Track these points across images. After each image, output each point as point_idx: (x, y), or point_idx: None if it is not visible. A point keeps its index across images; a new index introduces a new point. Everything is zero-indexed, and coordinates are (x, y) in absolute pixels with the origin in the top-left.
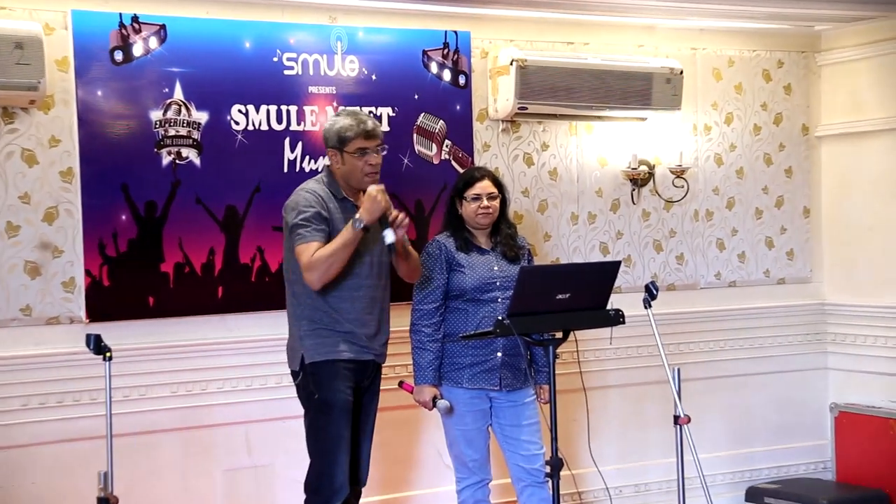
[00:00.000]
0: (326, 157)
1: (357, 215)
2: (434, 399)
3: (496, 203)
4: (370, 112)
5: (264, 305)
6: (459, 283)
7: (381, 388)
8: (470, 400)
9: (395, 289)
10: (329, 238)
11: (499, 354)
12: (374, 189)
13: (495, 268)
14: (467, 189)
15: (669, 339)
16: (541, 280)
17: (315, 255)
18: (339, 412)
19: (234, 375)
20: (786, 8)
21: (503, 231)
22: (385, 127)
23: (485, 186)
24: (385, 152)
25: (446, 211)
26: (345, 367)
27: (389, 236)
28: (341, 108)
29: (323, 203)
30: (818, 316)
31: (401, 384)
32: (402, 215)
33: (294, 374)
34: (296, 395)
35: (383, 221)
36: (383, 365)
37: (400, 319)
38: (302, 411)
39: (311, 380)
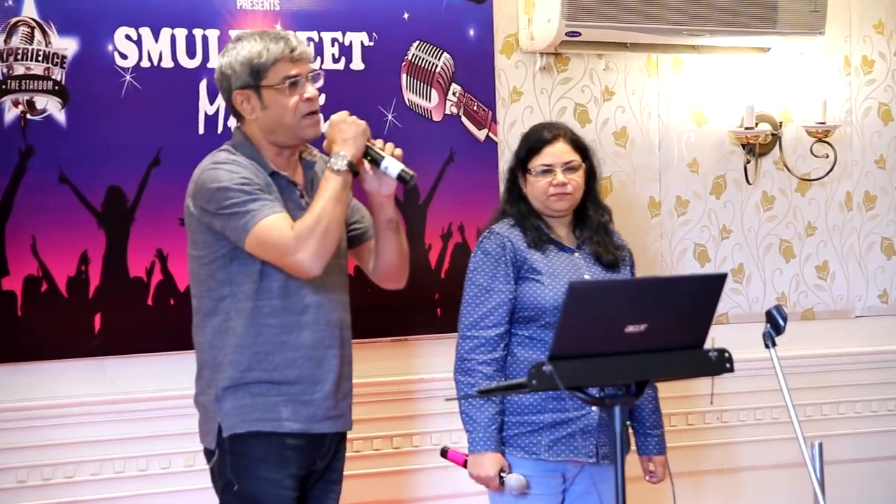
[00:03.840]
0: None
1: (335, 151)
2: (501, 473)
3: (578, 177)
4: (334, 40)
5: (168, 343)
6: (534, 299)
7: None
8: (544, 479)
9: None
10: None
11: (595, 408)
12: (336, 116)
13: (587, 276)
14: (532, 157)
15: (806, 396)
16: (601, 303)
17: (298, 225)
18: None
19: (118, 454)
20: None
21: (592, 220)
22: (357, 64)
23: (558, 153)
24: (320, 82)
25: (505, 189)
26: (287, 446)
27: (394, 165)
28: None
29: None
30: None
31: (444, 453)
32: (389, 144)
33: (208, 454)
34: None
35: (368, 155)
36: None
37: (398, 362)
38: None
39: (228, 461)
